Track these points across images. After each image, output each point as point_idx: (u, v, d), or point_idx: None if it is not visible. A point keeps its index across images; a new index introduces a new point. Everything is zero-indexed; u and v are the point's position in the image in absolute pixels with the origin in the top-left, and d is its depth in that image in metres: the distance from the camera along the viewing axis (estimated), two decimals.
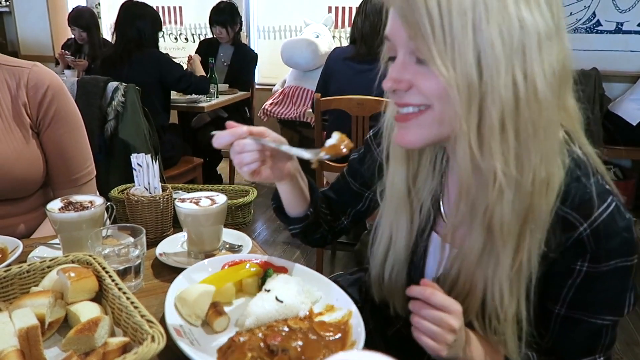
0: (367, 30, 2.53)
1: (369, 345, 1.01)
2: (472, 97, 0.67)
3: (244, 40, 4.80)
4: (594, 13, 4.00)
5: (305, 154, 0.86)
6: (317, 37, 4.22)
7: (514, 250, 0.75)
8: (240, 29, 4.15)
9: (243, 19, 4.88)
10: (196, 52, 4.11)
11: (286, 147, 0.87)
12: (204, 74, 3.65)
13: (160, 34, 3.33)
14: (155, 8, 3.33)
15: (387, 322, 1.02)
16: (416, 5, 0.67)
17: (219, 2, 4.05)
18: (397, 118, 0.77)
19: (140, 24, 3.14)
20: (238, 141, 0.85)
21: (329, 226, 1.10)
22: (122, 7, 3.23)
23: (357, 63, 2.62)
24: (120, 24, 3.19)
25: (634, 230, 0.75)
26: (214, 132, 0.87)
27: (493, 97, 0.67)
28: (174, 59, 3.29)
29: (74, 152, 1.38)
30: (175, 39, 5.32)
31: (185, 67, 3.82)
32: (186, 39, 5.27)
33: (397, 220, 0.91)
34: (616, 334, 0.82)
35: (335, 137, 0.85)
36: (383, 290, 0.97)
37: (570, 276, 0.78)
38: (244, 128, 0.86)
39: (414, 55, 0.71)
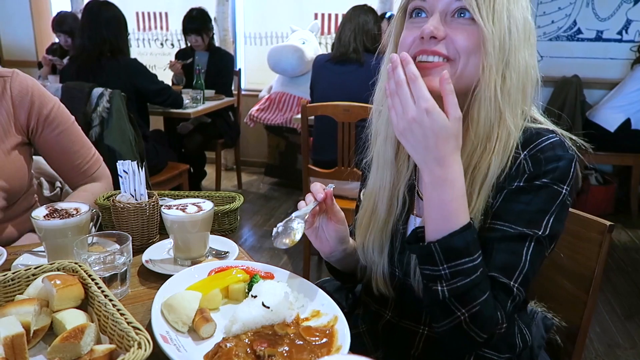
0: (345, 35, 2.79)
1: (362, 346, 1.03)
2: (501, 54, 0.82)
3: (229, 46, 4.80)
4: (574, 21, 4.09)
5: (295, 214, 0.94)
6: (304, 43, 4.24)
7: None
8: (213, 34, 4.15)
9: (229, 25, 4.87)
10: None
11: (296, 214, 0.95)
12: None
13: (145, 38, 3.23)
14: (137, 13, 3.21)
15: (377, 317, 1.04)
16: None
17: (191, 10, 4.02)
18: (421, 66, 0.83)
19: (112, 24, 2.91)
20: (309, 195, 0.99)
21: None
22: (87, 9, 2.96)
23: (335, 64, 2.82)
24: (87, 28, 2.92)
25: (573, 165, 0.84)
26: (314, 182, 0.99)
27: (514, 61, 0.83)
28: (151, 69, 3.17)
29: (74, 147, 1.39)
30: (161, 44, 5.29)
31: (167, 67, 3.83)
32: (172, 44, 5.24)
33: (381, 183, 0.97)
34: (536, 270, 0.83)
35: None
36: (367, 258, 1.02)
37: (502, 192, 0.86)
38: (321, 196, 0.96)
39: (450, 14, 0.84)
